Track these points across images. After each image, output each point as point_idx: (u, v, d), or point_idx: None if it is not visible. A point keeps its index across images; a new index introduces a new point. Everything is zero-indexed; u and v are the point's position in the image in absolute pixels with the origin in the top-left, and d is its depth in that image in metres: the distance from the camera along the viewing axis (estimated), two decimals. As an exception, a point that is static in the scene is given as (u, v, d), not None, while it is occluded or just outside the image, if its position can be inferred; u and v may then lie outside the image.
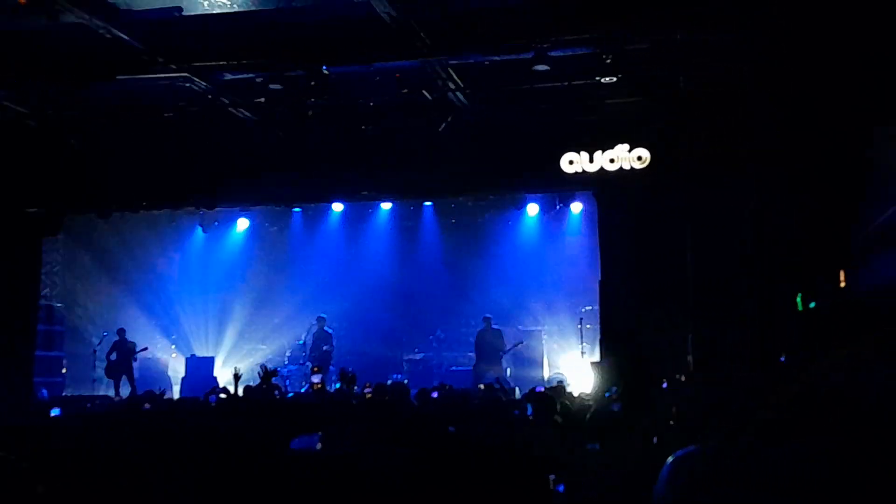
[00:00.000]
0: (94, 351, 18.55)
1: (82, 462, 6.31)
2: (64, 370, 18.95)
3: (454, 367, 19.34)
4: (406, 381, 16.43)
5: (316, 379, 12.38)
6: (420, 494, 5.09)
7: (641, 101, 13.94)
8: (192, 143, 15.76)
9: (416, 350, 20.30)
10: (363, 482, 5.11)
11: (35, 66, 13.43)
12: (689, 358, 12.58)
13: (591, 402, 9.51)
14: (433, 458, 5.43)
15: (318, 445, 6.09)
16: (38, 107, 14.99)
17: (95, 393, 17.58)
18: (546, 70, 12.76)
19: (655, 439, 5.74)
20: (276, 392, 13.69)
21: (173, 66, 13.21)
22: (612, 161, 14.11)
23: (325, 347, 18.83)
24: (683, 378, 11.35)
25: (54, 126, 15.50)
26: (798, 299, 11.52)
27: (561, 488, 5.38)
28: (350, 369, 12.03)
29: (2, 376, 15.61)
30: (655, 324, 13.21)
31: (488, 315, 18.53)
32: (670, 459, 2.61)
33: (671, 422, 6.41)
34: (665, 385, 9.74)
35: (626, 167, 14.03)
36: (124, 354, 18.10)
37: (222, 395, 11.49)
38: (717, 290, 13.24)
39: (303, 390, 16.92)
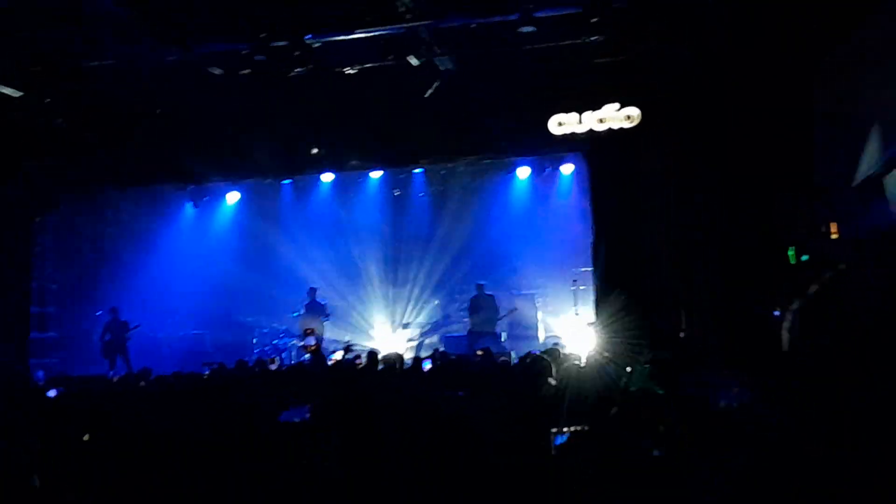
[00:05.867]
0: (88, 330, 18.50)
1: (84, 442, 6.32)
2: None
3: (449, 335, 19.34)
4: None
5: (309, 341, 12.35)
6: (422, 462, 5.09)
7: (629, 59, 13.82)
8: (178, 117, 15.60)
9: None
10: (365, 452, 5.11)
11: (19, 40, 13.26)
12: (682, 314, 12.59)
13: (583, 364, 9.51)
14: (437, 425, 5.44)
15: (307, 416, 6.08)
16: (24, 84, 14.80)
17: (91, 373, 17.53)
18: (532, 31, 12.64)
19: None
20: (273, 366, 13.73)
21: (158, 38, 13.05)
22: (601, 121, 14.02)
23: (321, 319, 18.80)
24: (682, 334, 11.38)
25: (41, 104, 15.31)
26: (790, 252, 11.52)
27: (559, 440, 5.41)
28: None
29: (-2, 359, 15.63)
30: (648, 284, 13.21)
31: (481, 281, 18.51)
32: None
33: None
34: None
35: (616, 127, 13.94)
36: (118, 333, 18.06)
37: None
38: (707, 247, 13.24)
39: (302, 359, 16.95)
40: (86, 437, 6.20)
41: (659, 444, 4.52)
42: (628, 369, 7.77)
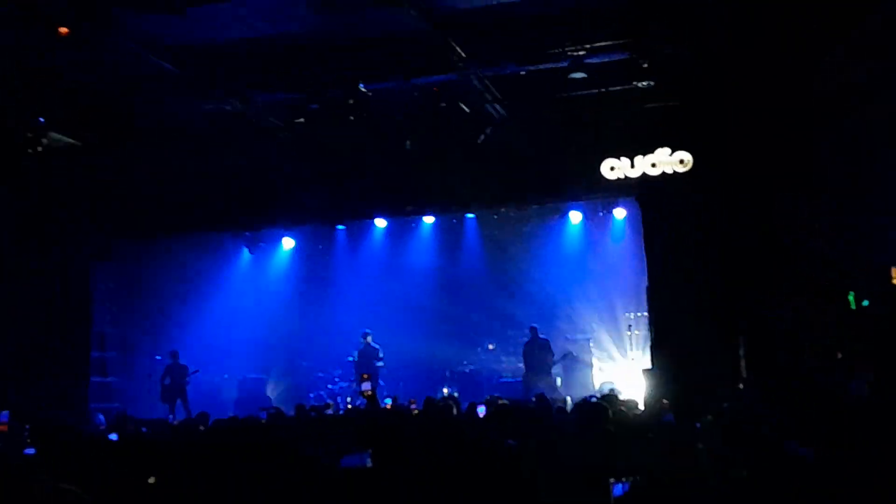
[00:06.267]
0: (149, 375, 18.75)
1: (144, 486, 6.42)
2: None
3: (503, 379, 19.26)
4: (457, 395, 16.45)
5: (366, 387, 12.42)
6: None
7: (680, 104, 13.84)
8: (234, 166, 15.94)
9: (465, 362, 20.26)
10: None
11: (78, 95, 13.72)
12: (742, 364, 12.39)
13: (641, 410, 9.43)
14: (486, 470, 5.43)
15: (369, 462, 6.11)
16: (85, 135, 15.28)
17: (150, 417, 17.76)
18: (583, 77, 12.74)
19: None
20: (330, 410, 13.81)
21: (212, 90, 13.41)
22: (653, 165, 14.02)
23: (375, 363, 18.87)
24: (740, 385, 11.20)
25: (101, 153, 15.77)
26: (850, 297, 11.34)
27: (618, 490, 5.36)
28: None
29: (59, 402, 15.91)
30: (705, 329, 13.06)
31: (535, 325, 18.45)
32: None
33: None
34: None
35: (669, 171, 13.92)
36: (178, 378, 18.27)
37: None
38: (766, 292, 13.06)
39: (357, 404, 16.99)
40: (151, 480, 6.30)
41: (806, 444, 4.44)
42: (697, 425, 7.64)
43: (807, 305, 12.33)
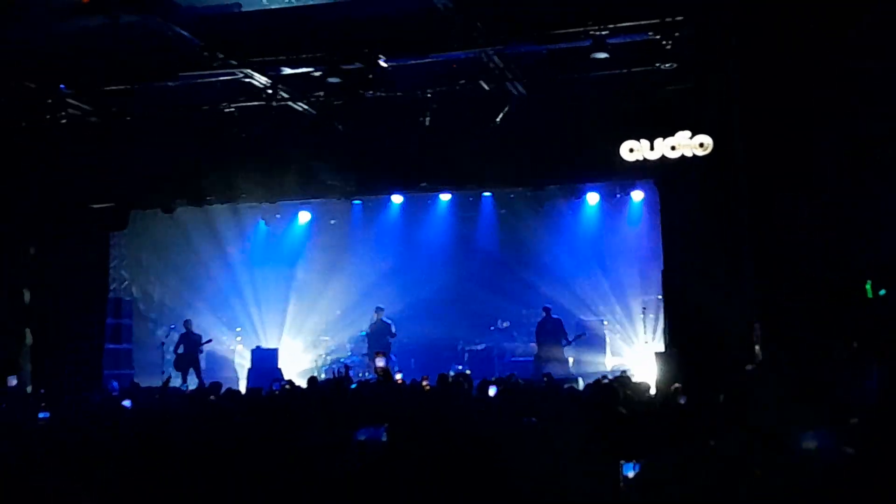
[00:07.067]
0: (162, 343, 18.88)
1: (156, 450, 6.48)
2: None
3: (515, 358, 19.29)
4: (468, 372, 16.49)
5: (380, 363, 12.48)
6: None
7: (701, 87, 13.72)
8: (252, 138, 15.92)
9: (477, 340, 20.29)
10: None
11: (98, 65, 13.71)
12: (757, 347, 12.34)
13: (653, 393, 9.42)
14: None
15: (384, 436, 6.14)
16: (102, 105, 15.30)
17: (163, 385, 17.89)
18: (604, 58, 12.64)
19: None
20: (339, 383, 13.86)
21: (233, 62, 13.38)
22: (673, 148, 13.92)
23: (388, 338, 18.94)
24: (751, 367, 11.16)
25: (118, 123, 15.79)
26: (867, 286, 11.25)
27: (628, 470, 5.37)
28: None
29: (74, 369, 16.06)
30: (721, 312, 13.00)
31: (548, 305, 18.43)
32: None
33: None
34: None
35: (688, 154, 13.82)
36: (191, 347, 18.39)
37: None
38: (783, 279, 12.97)
39: (369, 377, 17.06)
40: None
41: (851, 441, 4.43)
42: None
43: (824, 292, 12.24)
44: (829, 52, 11.95)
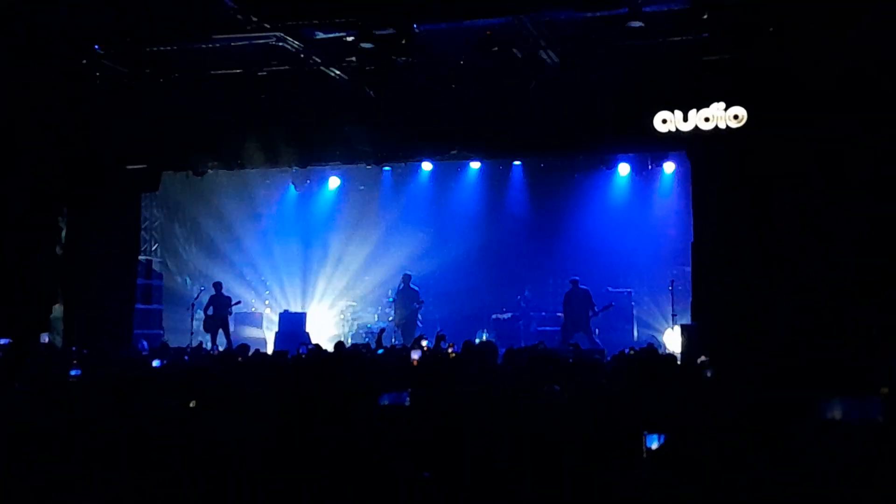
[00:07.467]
0: (192, 304, 19.08)
1: (185, 409, 6.57)
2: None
3: (541, 328, 19.30)
4: (494, 340, 16.52)
5: (416, 356, 12.38)
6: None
7: (737, 58, 13.53)
8: (284, 102, 15.96)
9: (504, 309, 20.31)
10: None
11: (132, 26, 13.77)
12: (783, 325, 12.27)
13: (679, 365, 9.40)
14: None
15: (407, 401, 6.18)
16: (137, 66, 15.38)
17: (192, 345, 18.10)
18: (639, 26, 12.50)
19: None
20: (365, 349, 13.95)
21: (266, 25, 13.37)
22: (706, 120, 13.77)
23: (414, 305, 19.01)
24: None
25: (152, 85, 15.88)
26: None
27: (651, 441, 5.36)
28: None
29: (105, 328, 16.29)
30: (748, 288, 12.92)
31: (576, 276, 18.39)
32: None
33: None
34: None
35: (722, 126, 13.67)
36: (221, 309, 18.55)
37: None
38: (813, 255, 12.86)
39: (395, 343, 17.16)
40: (192, 404, 6.45)
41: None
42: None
43: (854, 268, 12.13)
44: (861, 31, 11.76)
